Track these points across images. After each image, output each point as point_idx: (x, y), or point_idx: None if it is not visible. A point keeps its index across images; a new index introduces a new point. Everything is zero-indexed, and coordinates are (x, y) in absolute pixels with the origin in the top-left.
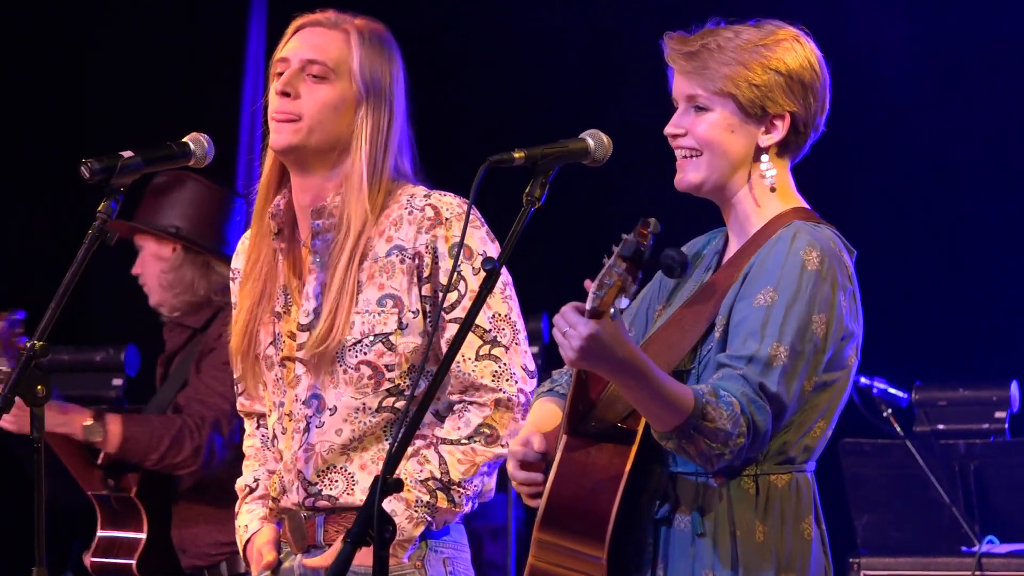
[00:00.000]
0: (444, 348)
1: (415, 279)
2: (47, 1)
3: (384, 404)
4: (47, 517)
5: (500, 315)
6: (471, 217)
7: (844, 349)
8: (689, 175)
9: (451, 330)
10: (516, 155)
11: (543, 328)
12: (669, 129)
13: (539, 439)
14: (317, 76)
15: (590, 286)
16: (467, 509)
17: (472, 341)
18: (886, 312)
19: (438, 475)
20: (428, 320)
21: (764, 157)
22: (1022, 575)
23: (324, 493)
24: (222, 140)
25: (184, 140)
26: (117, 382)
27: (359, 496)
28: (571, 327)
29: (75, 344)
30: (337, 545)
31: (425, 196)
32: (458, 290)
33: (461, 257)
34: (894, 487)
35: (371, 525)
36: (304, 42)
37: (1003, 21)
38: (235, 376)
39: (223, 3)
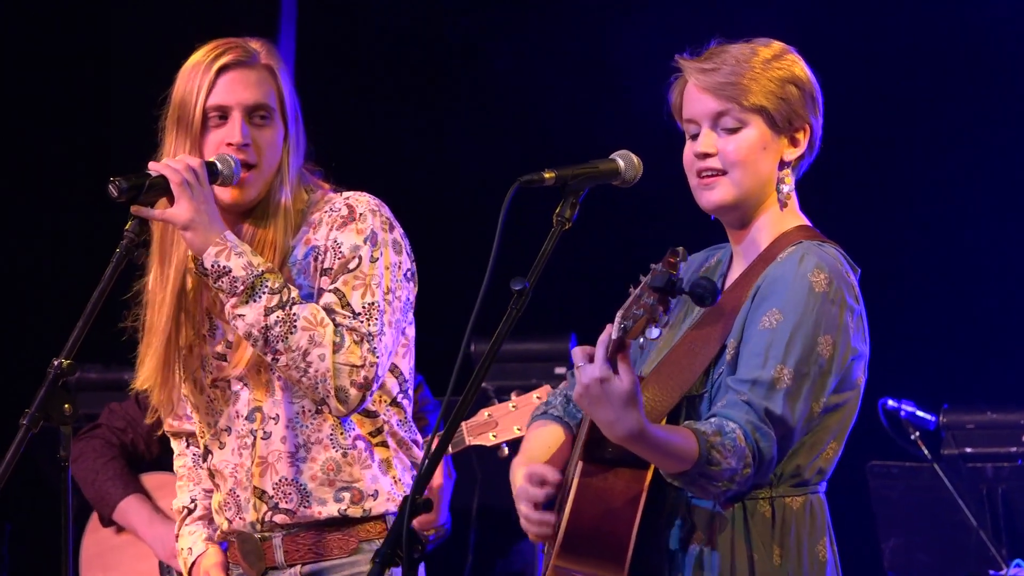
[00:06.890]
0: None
1: (319, 274)
2: (70, 10)
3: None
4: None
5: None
6: (385, 218)
7: (853, 369)
8: (719, 193)
9: (324, 298)
10: (547, 175)
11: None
12: (701, 149)
13: (553, 475)
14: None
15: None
16: None
17: None
18: (914, 334)
19: None
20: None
21: (787, 171)
22: None
23: (281, 507)
24: None
25: (211, 160)
26: None
27: (316, 508)
28: (580, 366)
29: (103, 363)
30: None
31: (344, 197)
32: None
33: (367, 243)
34: (921, 510)
35: (400, 546)
36: None
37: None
38: (153, 401)
39: (253, 4)
